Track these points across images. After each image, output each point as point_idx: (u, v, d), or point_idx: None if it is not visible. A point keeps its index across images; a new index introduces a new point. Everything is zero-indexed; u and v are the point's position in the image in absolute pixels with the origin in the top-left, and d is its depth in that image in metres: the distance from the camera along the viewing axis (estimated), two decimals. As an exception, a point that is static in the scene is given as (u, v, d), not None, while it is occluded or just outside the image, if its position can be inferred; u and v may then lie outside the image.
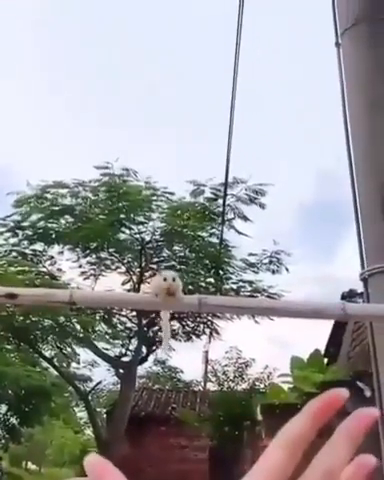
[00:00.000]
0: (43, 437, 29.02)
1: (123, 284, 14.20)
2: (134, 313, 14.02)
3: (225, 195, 11.99)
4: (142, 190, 13.13)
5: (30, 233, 13.32)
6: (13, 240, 13.46)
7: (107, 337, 14.60)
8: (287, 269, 13.77)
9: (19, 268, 12.79)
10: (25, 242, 13.56)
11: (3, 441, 17.93)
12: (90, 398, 16.44)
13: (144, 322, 14.08)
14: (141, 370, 19.91)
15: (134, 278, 14.13)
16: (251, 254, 13.73)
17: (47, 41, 23.05)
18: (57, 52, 23.99)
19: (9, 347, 15.12)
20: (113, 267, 14.27)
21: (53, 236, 13.30)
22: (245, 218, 13.31)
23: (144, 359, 15.08)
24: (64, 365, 15.66)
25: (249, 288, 13.78)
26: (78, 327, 13.78)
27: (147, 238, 13.49)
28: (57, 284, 12.47)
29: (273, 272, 13.76)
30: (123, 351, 14.99)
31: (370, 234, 2.54)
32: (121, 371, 14.47)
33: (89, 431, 24.66)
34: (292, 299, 9.80)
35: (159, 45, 19.56)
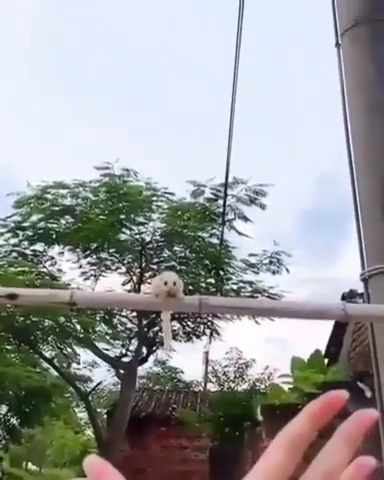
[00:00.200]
0: (43, 438, 29.00)
1: (123, 284, 14.22)
2: (134, 314, 14.02)
3: (225, 195, 12.00)
4: (142, 190, 13.12)
5: (30, 234, 13.32)
6: (13, 241, 13.47)
7: (107, 338, 14.59)
8: (287, 270, 13.79)
9: (19, 269, 12.79)
10: (25, 243, 13.56)
11: (3, 442, 17.93)
12: (90, 399, 16.44)
13: (144, 323, 14.08)
14: (141, 371, 19.94)
15: (134, 278, 14.13)
16: (251, 255, 13.74)
17: (47, 41, 23.06)
18: (57, 53, 24.00)
19: (9, 348, 15.12)
20: (113, 267, 14.28)
21: (53, 237, 13.30)
22: (245, 218, 13.32)
23: (144, 360, 15.07)
24: (64, 365, 15.66)
25: (249, 289, 13.78)
26: (78, 327, 13.78)
27: (147, 238, 13.49)
28: (57, 285, 12.47)
29: (273, 273, 13.77)
30: (123, 352, 15.00)
31: (370, 234, 2.54)
32: (121, 372, 14.46)
33: (89, 432, 24.68)
34: (292, 300, 9.80)
35: (160, 46, 19.57)
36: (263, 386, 14.68)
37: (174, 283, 1.15)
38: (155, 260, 14.14)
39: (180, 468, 14.31)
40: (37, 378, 14.75)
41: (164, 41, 19.15)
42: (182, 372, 25.33)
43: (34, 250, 13.73)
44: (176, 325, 14.78)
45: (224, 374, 16.65)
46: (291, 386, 6.35)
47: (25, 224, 13.31)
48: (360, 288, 3.34)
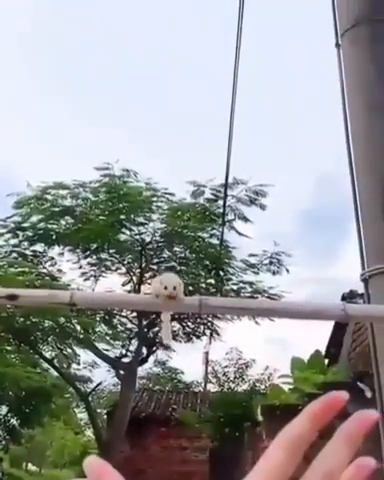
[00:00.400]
0: (43, 438, 29.00)
1: (123, 285, 14.23)
2: (134, 314, 14.02)
3: (225, 196, 12.00)
4: (142, 191, 13.13)
5: (30, 234, 13.32)
6: (13, 241, 13.47)
7: (107, 338, 14.59)
8: (287, 270, 13.78)
9: (19, 269, 12.79)
10: (25, 243, 13.56)
11: (3, 442, 17.93)
12: (90, 399, 16.44)
13: (144, 323, 14.07)
14: (141, 371, 19.94)
15: (134, 279, 14.13)
16: (251, 255, 13.73)
17: (47, 41, 23.06)
18: (57, 53, 24.00)
19: (9, 348, 15.12)
20: (113, 268, 14.28)
21: (53, 237, 13.30)
22: (245, 219, 13.31)
23: (144, 360, 15.07)
24: (64, 366, 15.66)
25: (249, 289, 13.78)
26: (78, 328, 13.78)
27: (147, 239, 13.49)
28: (57, 285, 12.46)
29: (273, 273, 13.77)
30: (123, 352, 14.99)
31: (370, 234, 2.54)
32: (121, 372, 14.46)
33: (89, 432, 24.69)
34: (292, 300, 9.80)
35: (160, 46, 19.58)
36: (263, 386, 14.68)
37: (174, 288, 1.15)
38: (155, 260, 14.14)
39: (180, 469, 14.31)
40: (37, 379, 14.75)
41: (164, 41, 19.16)
42: (182, 372, 25.35)
43: (34, 251, 13.73)
44: (176, 325, 14.78)
45: (224, 374, 16.64)
46: (291, 386, 6.35)
47: (25, 225, 13.31)
48: (360, 288, 3.34)
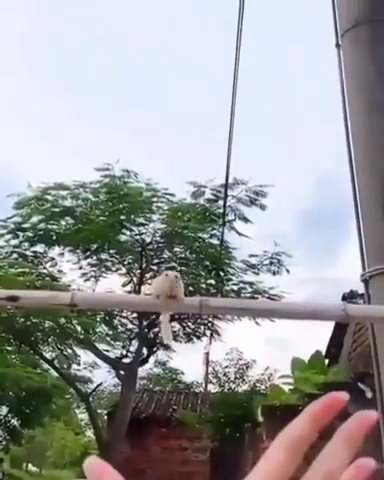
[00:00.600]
0: (44, 439, 29.00)
1: (124, 286, 14.22)
2: (135, 315, 14.02)
3: (225, 196, 12.00)
4: (143, 191, 13.13)
5: (31, 235, 13.32)
6: (14, 242, 13.48)
7: (108, 339, 14.59)
8: (288, 270, 13.78)
9: (20, 270, 12.79)
10: (26, 244, 13.56)
11: (4, 443, 17.93)
12: (91, 400, 16.44)
13: (145, 324, 14.07)
14: (142, 372, 19.93)
15: (135, 279, 14.13)
16: (252, 255, 13.73)
17: (47, 41, 23.07)
18: (57, 53, 24.01)
19: (10, 349, 15.12)
20: (114, 269, 14.28)
21: (54, 238, 13.30)
22: (246, 219, 13.31)
23: (145, 361, 15.07)
24: (65, 367, 15.66)
25: (250, 289, 13.77)
26: (79, 329, 13.78)
27: (148, 239, 13.49)
28: (58, 286, 12.47)
29: (274, 273, 13.77)
30: (124, 353, 14.99)
31: (371, 235, 2.54)
32: (122, 373, 14.46)
33: (90, 433, 24.71)
34: (293, 300, 9.80)
35: (160, 46, 19.58)
36: (263, 387, 14.68)
37: (176, 284, 1.15)
38: (155, 261, 14.13)
39: (180, 469, 14.31)
40: (37, 379, 14.75)
41: (164, 41, 19.17)
42: (182, 373, 25.34)
43: (34, 251, 13.73)
44: (176, 326, 14.78)
45: (224, 375, 16.65)
46: (291, 387, 6.35)
47: (25, 225, 13.31)
48: (360, 288, 3.34)
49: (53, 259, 13.94)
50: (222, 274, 13.80)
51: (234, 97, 5.95)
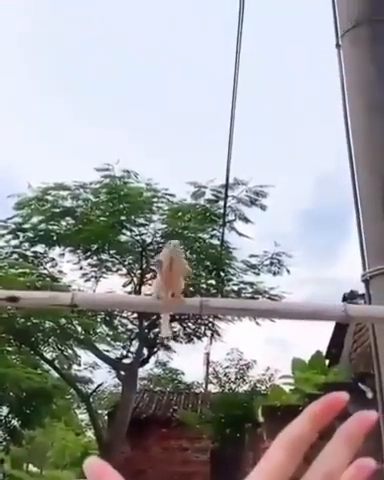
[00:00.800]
0: (44, 439, 29.00)
1: (124, 286, 14.22)
2: (135, 315, 14.01)
3: (226, 197, 11.99)
4: (143, 192, 13.13)
5: (31, 235, 13.32)
6: (14, 242, 13.47)
7: (108, 339, 14.59)
8: (288, 271, 13.77)
9: (20, 270, 12.78)
10: (26, 244, 13.55)
11: (4, 443, 17.94)
12: (91, 400, 16.43)
13: (145, 324, 14.07)
14: (142, 372, 19.93)
15: (135, 280, 14.13)
16: (252, 255, 13.73)
17: (47, 41, 23.08)
18: (57, 53, 24.02)
19: (10, 349, 15.12)
20: (114, 269, 14.27)
21: (54, 238, 13.30)
22: (246, 220, 13.31)
23: (145, 361, 15.07)
24: (65, 367, 15.65)
25: (250, 290, 13.77)
26: (79, 329, 13.78)
27: (148, 240, 13.49)
28: (58, 286, 12.47)
29: (274, 274, 13.76)
30: (124, 353, 14.99)
31: (371, 235, 2.54)
32: (122, 373, 14.46)
33: (90, 433, 24.69)
34: (293, 301, 9.79)
35: (160, 46, 19.58)
36: (264, 387, 14.69)
37: (176, 254, 1.15)
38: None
39: (181, 469, 14.30)
40: (38, 380, 14.75)
41: (164, 41, 19.17)
42: (183, 373, 25.34)
43: (35, 252, 13.72)
44: (177, 326, 14.78)
45: (225, 375, 16.67)
46: (292, 387, 6.34)
47: (26, 226, 13.31)
48: (361, 289, 3.34)
49: (53, 259, 13.95)
50: (222, 274, 13.80)
51: (234, 97, 5.95)
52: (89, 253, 13.67)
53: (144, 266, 13.75)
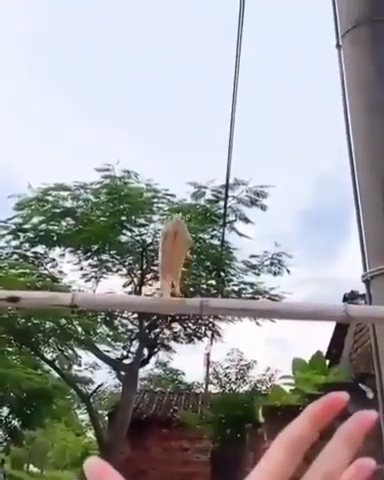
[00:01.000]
0: (45, 439, 29.01)
1: (124, 286, 14.22)
2: (135, 315, 14.01)
3: (226, 197, 12.00)
4: (143, 192, 13.13)
5: (31, 236, 13.32)
6: (15, 243, 13.48)
7: (109, 339, 14.59)
8: (288, 271, 13.78)
9: (20, 270, 12.79)
10: (26, 244, 13.56)
11: (5, 444, 17.94)
12: (92, 400, 16.44)
13: (146, 324, 14.07)
14: (143, 372, 19.95)
15: (135, 280, 14.13)
16: (252, 256, 13.73)
17: (47, 41, 23.08)
18: (57, 53, 24.02)
19: (11, 350, 15.13)
20: (114, 269, 14.27)
21: (54, 238, 13.30)
22: (246, 220, 13.31)
23: (146, 361, 15.08)
24: (66, 367, 15.66)
25: (250, 290, 13.77)
26: (80, 329, 13.78)
27: (148, 240, 13.48)
28: (58, 286, 12.47)
29: (274, 274, 13.76)
30: (125, 353, 15.00)
31: (372, 235, 2.54)
32: (123, 373, 14.46)
33: (91, 433, 24.72)
34: (293, 301, 9.78)
35: (160, 46, 19.59)
36: (264, 387, 14.69)
37: (178, 229, 1.15)
38: (156, 262, 14.11)
39: (181, 470, 14.30)
40: (38, 380, 14.76)
41: (164, 41, 19.18)
42: (183, 374, 25.35)
43: (35, 252, 13.73)
44: (177, 327, 14.80)
45: (225, 375, 16.67)
46: (292, 387, 6.34)
47: (26, 226, 13.31)
48: (361, 289, 3.34)
49: (54, 260, 13.95)
50: (223, 275, 13.80)
51: (234, 97, 5.95)
52: (89, 253, 13.68)
53: (144, 266, 13.75)
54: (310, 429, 0.43)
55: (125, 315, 14.31)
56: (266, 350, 32.86)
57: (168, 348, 15.78)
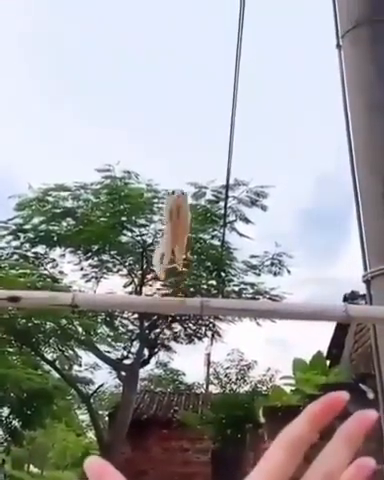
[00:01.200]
0: (45, 440, 29.01)
1: (125, 287, 14.22)
2: (136, 315, 14.01)
3: (226, 197, 12.00)
4: (143, 192, 13.13)
5: (32, 236, 13.33)
6: (15, 243, 13.47)
7: (109, 340, 14.59)
8: (289, 271, 13.77)
9: (21, 271, 12.80)
10: (27, 245, 13.56)
11: (5, 444, 17.94)
12: (92, 401, 16.44)
13: (146, 325, 14.07)
14: (143, 373, 19.94)
15: (136, 280, 14.12)
16: (253, 256, 13.72)
17: (47, 41, 23.08)
18: (57, 53, 24.02)
19: (11, 350, 15.13)
20: (115, 270, 14.27)
21: (55, 239, 13.30)
22: (247, 220, 13.31)
23: (146, 362, 15.07)
24: (66, 368, 15.66)
25: (251, 290, 13.76)
26: (80, 330, 13.78)
27: (149, 240, 13.48)
28: (59, 287, 12.48)
29: (275, 274, 13.75)
30: (125, 354, 14.99)
31: (372, 235, 2.54)
32: (123, 374, 14.46)
33: (91, 434, 24.71)
34: (294, 301, 9.79)
35: (160, 46, 19.59)
36: (265, 388, 14.68)
37: (180, 204, 1.16)
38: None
39: (182, 470, 14.30)
40: (39, 380, 14.76)
41: (164, 41, 19.17)
42: (184, 374, 25.35)
43: (35, 252, 13.73)
44: (178, 327, 14.79)
45: (226, 376, 16.66)
46: (293, 388, 6.34)
47: (26, 226, 13.31)
48: (361, 289, 3.34)
49: (54, 260, 13.95)
50: (223, 275, 13.80)
51: (235, 97, 5.95)
52: (90, 254, 13.67)
53: (145, 267, 13.75)
54: (310, 429, 0.43)
55: (125, 315, 14.31)
56: (266, 350, 32.85)
57: (168, 348, 15.78)
